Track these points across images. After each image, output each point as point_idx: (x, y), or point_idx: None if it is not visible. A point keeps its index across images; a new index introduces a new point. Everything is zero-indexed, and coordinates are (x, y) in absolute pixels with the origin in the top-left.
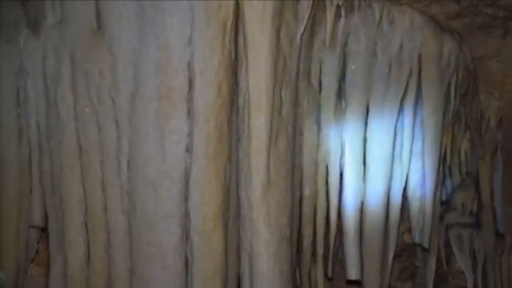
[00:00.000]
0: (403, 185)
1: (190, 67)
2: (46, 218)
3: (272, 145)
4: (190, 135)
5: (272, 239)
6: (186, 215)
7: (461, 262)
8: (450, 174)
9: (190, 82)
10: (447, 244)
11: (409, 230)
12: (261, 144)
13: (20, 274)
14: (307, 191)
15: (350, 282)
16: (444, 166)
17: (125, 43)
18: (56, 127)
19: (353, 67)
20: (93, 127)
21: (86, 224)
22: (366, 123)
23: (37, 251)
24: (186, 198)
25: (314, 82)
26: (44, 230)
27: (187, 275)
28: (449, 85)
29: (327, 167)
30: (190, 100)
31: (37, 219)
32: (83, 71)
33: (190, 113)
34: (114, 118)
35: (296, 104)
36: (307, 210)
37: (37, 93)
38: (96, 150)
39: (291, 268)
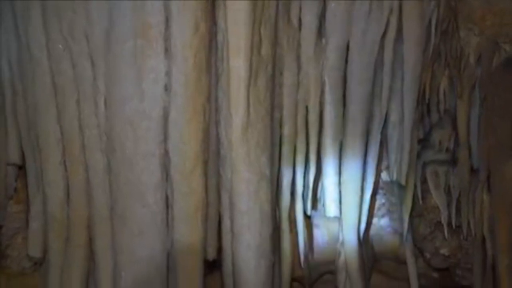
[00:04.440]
0: (382, 123)
1: (166, 4)
2: (23, 156)
3: (251, 84)
4: (168, 74)
5: (252, 178)
6: (166, 154)
7: (436, 197)
8: (429, 112)
9: (167, 20)
10: (423, 181)
11: (387, 168)
12: (240, 84)
13: (0, 212)
14: (287, 130)
15: (329, 219)
16: (422, 104)
17: None
18: (29, 65)
19: (333, 4)
20: (67, 64)
21: (64, 163)
22: (346, 61)
23: (15, 189)
24: (165, 138)
25: (294, 20)
26: (21, 168)
27: (167, 214)
28: (429, 21)
29: (307, 106)
30: (167, 38)
31: (14, 157)
32: (54, 6)
33: (167, 51)
34: (89, 55)
35: (275, 43)
36: (287, 148)
37: (7, 31)
38: (72, 88)
39: (271, 206)
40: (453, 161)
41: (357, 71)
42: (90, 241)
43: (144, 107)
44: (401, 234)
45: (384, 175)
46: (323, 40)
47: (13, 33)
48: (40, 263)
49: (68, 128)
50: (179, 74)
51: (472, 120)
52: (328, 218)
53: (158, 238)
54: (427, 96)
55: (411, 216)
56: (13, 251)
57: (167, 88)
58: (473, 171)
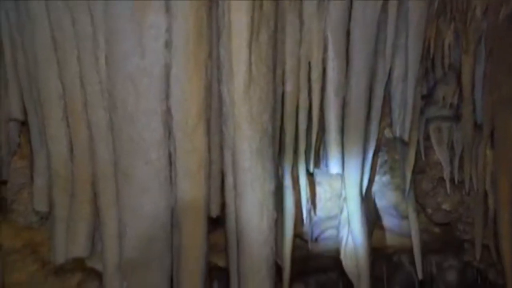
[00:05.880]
0: (385, 80)
1: None
2: (25, 111)
3: (253, 41)
4: (168, 30)
5: (254, 136)
6: (168, 112)
7: (439, 153)
8: (433, 67)
9: None
10: (426, 137)
11: (390, 125)
12: (242, 41)
13: (4, 167)
14: (289, 87)
15: (331, 176)
16: (427, 60)
17: None
18: (27, 19)
19: None
20: (67, 19)
21: (66, 119)
22: (349, 17)
23: (19, 145)
24: (167, 95)
25: None
26: (24, 123)
27: (171, 171)
28: None
29: (309, 62)
30: None
31: (16, 112)
32: None
33: (168, 7)
34: (88, 10)
35: None
36: (289, 106)
37: None
38: (72, 44)
39: (274, 163)
40: (456, 117)
41: (361, 28)
42: (95, 196)
43: (145, 64)
44: (403, 190)
45: (387, 132)
46: None
47: None
48: (46, 218)
49: (69, 84)
50: (180, 30)
51: (477, 75)
52: (331, 175)
53: (162, 194)
54: (431, 52)
55: (413, 172)
56: (19, 205)
57: (167, 45)
58: (476, 126)
